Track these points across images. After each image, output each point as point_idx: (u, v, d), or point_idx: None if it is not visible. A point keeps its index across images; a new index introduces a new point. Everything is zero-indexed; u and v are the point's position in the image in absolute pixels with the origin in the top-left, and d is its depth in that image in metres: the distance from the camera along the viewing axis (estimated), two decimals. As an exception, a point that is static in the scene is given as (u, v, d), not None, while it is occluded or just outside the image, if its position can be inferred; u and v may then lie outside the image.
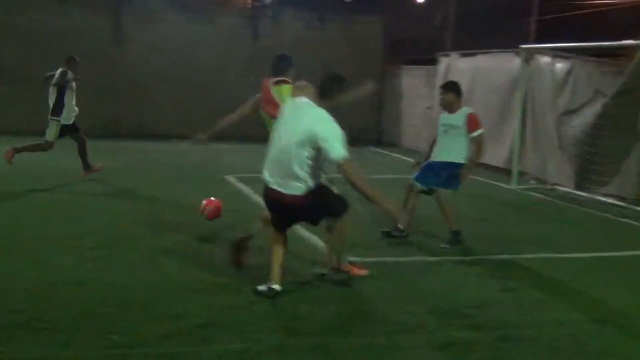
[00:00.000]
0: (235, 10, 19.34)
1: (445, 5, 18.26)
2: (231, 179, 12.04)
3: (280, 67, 7.78)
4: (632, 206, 10.53)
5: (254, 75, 18.64)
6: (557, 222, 9.82)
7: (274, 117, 7.26)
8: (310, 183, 5.85)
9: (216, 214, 7.90)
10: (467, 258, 7.39)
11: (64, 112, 11.27)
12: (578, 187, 11.68)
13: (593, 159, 11.36)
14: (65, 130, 11.37)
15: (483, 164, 14.57)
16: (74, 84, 11.43)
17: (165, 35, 18.27)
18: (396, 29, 20.04)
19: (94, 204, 9.56)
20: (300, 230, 7.92)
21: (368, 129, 19.84)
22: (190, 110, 18.30)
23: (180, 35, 18.37)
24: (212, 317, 5.25)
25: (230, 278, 6.26)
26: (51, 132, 11.21)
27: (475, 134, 8.14)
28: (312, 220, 6.18)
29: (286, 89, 7.18)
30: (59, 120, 11.22)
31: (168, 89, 18.25)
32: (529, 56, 12.99)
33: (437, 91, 16.63)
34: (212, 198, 7.86)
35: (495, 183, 13.00)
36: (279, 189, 5.97)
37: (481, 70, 15.13)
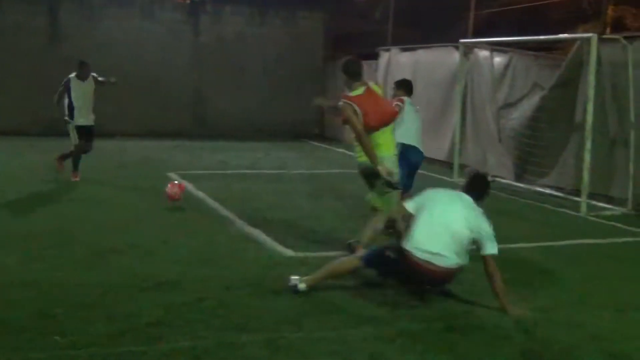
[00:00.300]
0: (176, 5, 19.13)
1: (385, 0, 18.36)
2: (174, 175, 11.90)
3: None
4: (570, 196, 10.77)
5: (197, 70, 18.74)
6: (499, 214, 9.90)
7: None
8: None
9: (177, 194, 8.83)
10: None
11: (75, 114, 11.49)
12: (518, 178, 11.90)
13: (532, 151, 11.60)
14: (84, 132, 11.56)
15: (425, 157, 14.81)
16: (82, 88, 11.62)
17: (106, 32, 17.99)
18: (337, 24, 20.10)
19: (39, 204, 9.34)
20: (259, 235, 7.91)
21: (310, 123, 19.90)
22: (133, 106, 18.11)
23: (121, 32, 18.10)
24: (161, 316, 5.19)
25: (179, 276, 6.19)
26: (72, 136, 11.52)
27: None
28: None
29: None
30: (71, 122, 11.52)
31: (108, 86, 17.88)
32: (467, 50, 13.18)
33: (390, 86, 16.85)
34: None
35: (437, 176, 13.14)
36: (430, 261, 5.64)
37: (422, 65, 15.29)
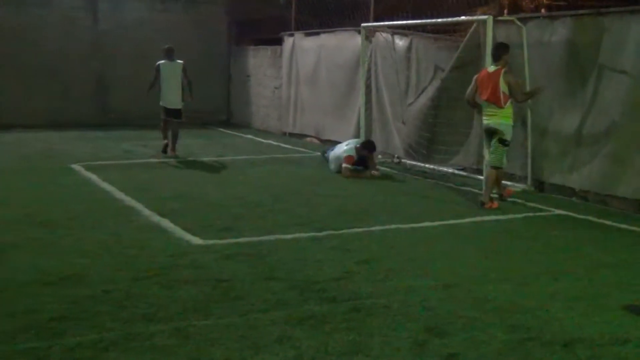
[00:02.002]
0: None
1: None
2: (77, 167, 11.64)
3: (497, 54, 9.24)
4: (473, 175, 11.07)
5: (98, 58, 18.29)
6: (405, 194, 10.19)
7: (496, 104, 9.07)
8: None
9: None
10: (321, 234, 7.53)
11: (162, 96, 13.21)
12: (423, 159, 12.13)
13: (435, 131, 11.84)
14: (167, 113, 13.23)
15: (331, 140, 14.97)
16: (162, 73, 13.17)
17: (1, 20, 17.33)
18: (240, 10, 19.95)
19: None
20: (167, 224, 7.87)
21: (218, 110, 19.75)
22: (32, 97, 17.65)
23: (16, 19, 17.50)
24: (66, 310, 5.10)
25: (84, 269, 6.09)
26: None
27: None
28: None
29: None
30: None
31: (6, 75, 17.39)
32: (369, 34, 13.33)
33: (283, 71, 16.89)
34: None
35: (344, 159, 13.28)
36: None
37: (325, 49, 15.39)
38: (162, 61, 13.27)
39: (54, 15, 17.99)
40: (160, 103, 13.28)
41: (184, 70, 13.25)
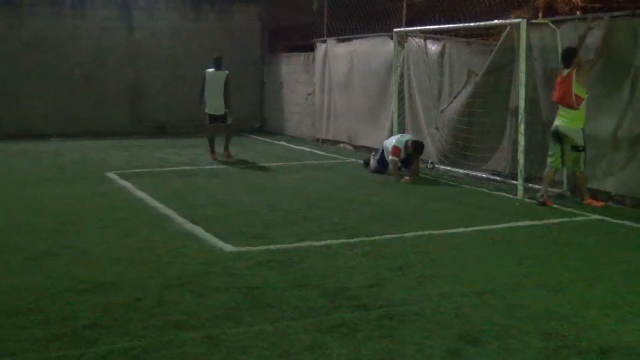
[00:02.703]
0: (108, 2, 18.81)
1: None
2: (112, 175, 11.75)
3: (568, 59, 9.45)
4: (507, 180, 10.95)
5: (132, 68, 18.48)
6: (438, 200, 10.10)
7: (571, 106, 9.32)
8: None
9: None
10: (354, 240, 7.49)
11: (207, 103, 13.97)
12: (456, 165, 12.04)
13: (469, 137, 11.74)
14: (213, 119, 14.04)
15: (364, 146, 14.94)
16: (206, 81, 13.97)
17: (36, 31, 17.65)
18: (273, 17, 20.03)
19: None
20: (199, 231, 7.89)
21: (251, 117, 19.82)
22: (69, 106, 17.90)
23: (52, 30, 17.77)
24: (98, 317, 5.12)
25: (116, 277, 6.12)
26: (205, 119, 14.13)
27: None
28: None
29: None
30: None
31: (44, 85, 17.68)
32: (401, 39, 13.27)
33: (316, 77, 16.90)
34: None
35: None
36: None
37: (358, 55, 15.36)
38: (209, 69, 13.95)
39: (89, 25, 18.20)
40: (206, 110, 13.97)
41: (227, 80, 13.89)
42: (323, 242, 7.40)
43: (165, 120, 18.71)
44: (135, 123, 18.66)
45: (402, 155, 11.66)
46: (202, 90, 14.06)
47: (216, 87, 13.90)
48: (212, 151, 14.15)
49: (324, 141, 16.96)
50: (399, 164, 11.71)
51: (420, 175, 11.94)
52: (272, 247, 7.21)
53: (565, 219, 8.77)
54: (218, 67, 14.01)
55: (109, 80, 18.38)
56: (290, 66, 18.92)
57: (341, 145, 16.23)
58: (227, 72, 14.02)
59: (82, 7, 18.23)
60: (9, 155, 14.30)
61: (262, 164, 13.57)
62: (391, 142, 11.88)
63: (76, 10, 18.14)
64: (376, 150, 12.61)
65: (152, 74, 18.75)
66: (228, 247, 7.17)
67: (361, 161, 13.44)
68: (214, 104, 13.95)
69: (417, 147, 11.68)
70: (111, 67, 18.37)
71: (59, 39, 17.81)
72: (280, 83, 19.33)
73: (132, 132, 18.12)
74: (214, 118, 14.02)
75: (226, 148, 14.19)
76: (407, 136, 12.09)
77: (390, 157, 11.69)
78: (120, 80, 18.52)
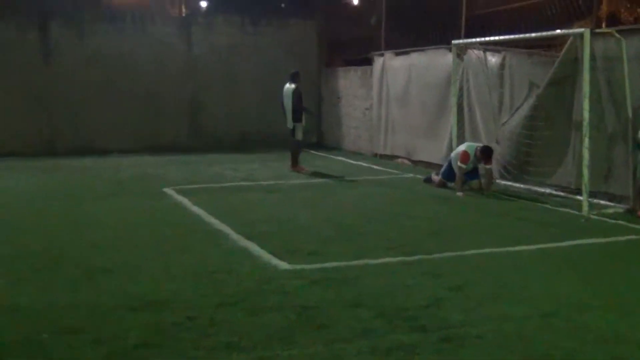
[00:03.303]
0: (167, 18, 19.04)
1: (378, 5, 18.23)
2: (170, 191, 11.77)
3: None
4: (571, 195, 10.60)
5: (191, 82, 18.62)
6: (500, 216, 9.82)
7: None
8: None
9: None
10: (412, 258, 7.29)
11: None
12: (517, 179, 11.73)
13: (530, 151, 11.42)
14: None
15: (423, 161, 14.72)
16: (285, 97, 14.24)
17: (97, 47, 17.90)
18: (330, 30, 19.99)
19: (30, 225, 9.17)
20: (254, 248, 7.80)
21: (309, 132, 19.73)
22: (129, 121, 18.10)
23: (113, 46, 18.01)
24: (150, 337, 5.04)
25: (169, 294, 6.04)
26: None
27: None
28: None
29: None
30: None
31: (104, 102, 17.91)
32: (460, 51, 13.03)
33: (374, 91, 16.76)
34: None
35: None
36: None
37: (416, 68, 15.17)
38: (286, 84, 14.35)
39: (149, 41, 18.40)
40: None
41: (294, 95, 14.08)
42: (380, 260, 7.22)
43: (223, 135, 18.77)
44: (193, 138, 18.77)
45: (471, 162, 11.39)
46: (281, 104, 14.41)
47: (286, 101, 14.22)
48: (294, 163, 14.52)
49: (381, 156, 16.77)
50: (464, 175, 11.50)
51: (481, 190, 11.64)
52: (327, 264, 7.05)
53: (633, 237, 8.42)
54: (290, 81, 14.26)
55: (168, 95, 18.55)
56: (348, 80, 18.81)
57: (399, 160, 16.03)
58: (295, 86, 14.14)
59: (142, 23, 18.47)
60: (70, 171, 14.48)
61: (319, 179, 13.46)
62: (460, 148, 11.65)
63: (136, 26, 18.38)
64: (438, 168, 12.41)
65: (210, 89, 18.87)
66: (282, 265, 7.04)
67: (420, 176, 13.22)
68: (286, 118, 14.31)
69: (485, 151, 11.33)
70: (170, 83, 18.54)
71: (119, 55, 18.04)
72: (338, 97, 19.23)
73: (190, 147, 18.22)
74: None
75: (292, 164, 14.44)
76: (479, 144, 11.81)
77: (458, 163, 11.46)
78: (179, 96, 18.67)
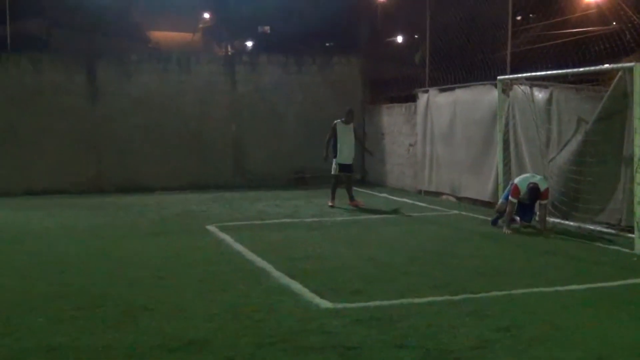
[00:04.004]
0: (212, 58, 19.26)
1: (421, 43, 18.18)
2: (212, 228, 11.74)
3: None
4: (622, 233, 10.29)
5: (235, 121, 18.74)
6: (548, 254, 9.55)
7: None
8: None
9: None
10: (457, 297, 7.08)
11: (337, 153, 14.55)
12: (566, 216, 11.44)
13: (579, 188, 11.15)
14: (343, 168, 14.63)
15: (468, 198, 14.50)
16: (339, 133, 14.53)
17: (144, 87, 18.16)
18: (373, 68, 19.98)
19: (74, 263, 9.18)
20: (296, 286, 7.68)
21: (353, 169, 19.64)
22: (174, 160, 18.25)
23: (159, 86, 18.28)
24: (188, 378, 4.93)
25: (209, 334, 5.93)
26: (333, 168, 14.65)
27: None
28: None
29: None
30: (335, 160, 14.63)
31: (150, 140, 18.11)
32: (506, 87, 12.86)
33: (418, 128, 16.64)
34: None
35: (481, 217, 12.77)
36: None
37: (461, 104, 15.02)
38: (338, 121, 14.71)
39: (194, 80, 18.61)
40: (336, 160, 14.60)
41: (356, 131, 14.89)
42: (424, 300, 7.03)
43: (267, 173, 18.80)
44: (237, 176, 18.83)
45: (523, 197, 11.04)
46: (329, 141, 14.59)
47: (349, 138, 14.57)
48: (334, 198, 14.67)
49: (426, 193, 16.58)
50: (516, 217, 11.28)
51: (528, 229, 11.36)
52: (370, 304, 6.88)
53: (689, 276, 8.09)
54: (347, 120, 14.61)
55: (213, 133, 18.68)
56: (392, 117, 18.73)
57: (444, 196, 15.81)
58: (352, 123, 14.69)
59: (188, 63, 18.70)
60: (115, 209, 14.57)
61: (363, 216, 13.32)
62: (520, 178, 11.33)
63: (182, 66, 18.61)
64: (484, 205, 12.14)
65: (254, 127, 18.96)
66: (324, 304, 6.90)
67: (465, 213, 13.01)
68: (348, 154, 14.57)
69: (532, 192, 10.90)
70: (215, 121, 18.69)
71: (166, 94, 18.27)
72: (382, 134, 19.14)
73: (234, 184, 18.27)
74: (343, 167, 14.59)
75: (352, 197, 14.67)
76: (538, 177, 11.24)
77: (510, 198, 11.11)
78: (223, 134, 18.78)
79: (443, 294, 7.21)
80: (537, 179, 11.17)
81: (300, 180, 18.66)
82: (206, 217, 13.23)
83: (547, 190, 11.03)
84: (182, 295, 7.33)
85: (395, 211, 14.05)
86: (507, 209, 11.18)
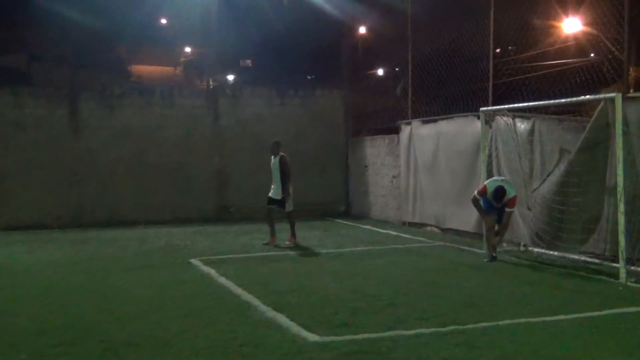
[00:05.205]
0: (195, 91, 19.28)
1: (403, 75, 18.30)
2: (196, 262, 11.65)
3: None
4: (606, 262, 10.31)
5: (217, 154, 18.71)
6: (534, 285, 9.54)
7: None
8: None
9: None
10: (445, 329, 7.04)
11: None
12: (550, 246, 11.46)
13: (563, 218, 11.18)
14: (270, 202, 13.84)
15: (452, 229, 14.51)
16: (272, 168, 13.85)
17: (126, 120, 18.13)
18: (356, 100, 20.09)
19: (57, 297, 9.06)
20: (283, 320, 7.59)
21: (336, 201, 19.69)
22: (157, 193, 18.16)
23: (141, 119, 18.25)
24: (175, 414, 4.84)
25: (194, 368, 5.86)
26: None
27: None
28: None
29: None
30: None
31: (132, 174, 18.04)
32: (489, 118, 12.94)
33: (401, 160, 16.68)
34: None
35: (466, 248, 12.78)
36: None
37: (444, 135, 15.09)
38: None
39: (177, 114, 18.61)
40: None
41: (281, 165, 13.65)
42: (413, 331, 6.98)
43: (251, 206, 18.71)
44: (220, 209, 18.75)
45: (489, 197, 11.32)
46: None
47: (275, 172, 13.73)
48: (271, 234, 13.81)
49: (410, 224, 16.58)
50: (485, 208, 11.52)
51: (513, 258, 11.39)
52: (358, 336, 6.83)
53: (676, 305, 8.10)
54: (273, 153, 13.87)
55: (196, 167, 18.63)
56: (375, 149, 18.77)
57: (428, 228, 15.82)
58: (281, 156, 13.72)
59: (170, 96, 18.71)
60: (97, 243, 14.45)
61: (347, 249, 13.28)
62: (487, 181, 11.73)
63: (164, 100, 18.61)
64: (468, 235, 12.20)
65: (237, 160, 18.94)
66: (312, 337, 6.83)
67: (450, 244, 13.01)
68: (275, 188, 13.75)
69: (495, 193, 11.21)
70: (198, 154, 18.65)
71: (148, 128, 18.25)
72: (365, 166, 19.18)
73: (217, 218, 18.20)
74: (271, 201, 13.80)
75: (292, 235, 13.82)
76: (507, 183, 11.51)
77: (475, 193, 11.66)
78: (206, 167, 18.74)
79: (431, 326, 7.17)
80: (505, 184, 11.44)
81: (282, 213, 18.57)
82: (190, 250, 13.14)
83: (514, 198, 11.32)
84: (168, 330, 7.23)
85: (379, 243, 14.02)
86: (473, 202, 11.67)
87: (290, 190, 13.68)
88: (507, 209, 11.32)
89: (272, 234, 13.79)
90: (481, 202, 11.54)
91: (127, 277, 10.48)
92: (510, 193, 11.25)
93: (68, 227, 16.87)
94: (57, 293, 9.39)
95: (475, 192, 11.66)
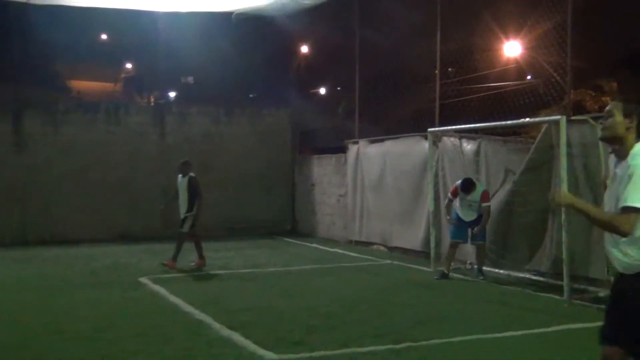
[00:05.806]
0: (141, 109, 19.13)
1: (348, 94, 18.55)
2: (145, 280, 11.56)
3: None
4: (551, 280, 10.59)
5: (163, 173, 18.58)
6: (482, 301, 9.76)
7: None
8: None
9: None
10: (399, 346, 7.16)
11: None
12: (496, 264, 11.73)
13: (508, 236, 11.47)
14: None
15: (399, 247, 14.70)
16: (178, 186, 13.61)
17: (71, 137, 17.85)
18: (303, 120, 20.24)
19: (4, 317, 8.86)
20: (238, 338, 7.59)
21: (283, 220, 19.73)
22: (102, 211, 17.89)
23: (86, 136, 17.99)
24: None
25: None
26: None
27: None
28: None
29: None
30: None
31: (77, 191, 17.74)
32: (436, 139, 13.20)
33: (348, 179, 16.83)
34: None
35: (414, 266, 12.97)
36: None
37: (391, 155, 15.30)
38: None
39: (123, 131, 18.42)
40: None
41: (189, 185, 13.51)
42: (367, 349, 7.08)
43: (198, 224, 18.61)
44: (167, 227, 18.57)
45: (460, 194, 11.50)
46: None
47: (182, 191, 13.55)
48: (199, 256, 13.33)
49: (357, 243, 16.72)
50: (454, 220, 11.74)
51: (460, 276, 11.61)
52: (315, 354, 6.90)
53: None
54: (182, 173, 13.59)
55: (142, 184, 18.44)
56: (322, 168, 18.91)
57: (375, 246, 15.98)
58: (190, 176, 13.52)
59: (116, 113, 18.53)
60: (42, 262, 14.20)
61: (295, 267, 13.34)
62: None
63: (110, 117, 18.41)
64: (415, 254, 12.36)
65: (184, 178, 18.79)
66: (269, 355, 6.87)
67: (397, 263, 13.16)
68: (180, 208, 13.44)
69: (463, 184, 11.40)
70: (144, 172, 18.47)
71: (94, 145, 18.00)
72: (312, 185, 19.29)
73: (164, 236, 17.99)
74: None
75: (173, 257, 13.03)
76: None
77: (449, 194, 11.83)
78: (153, 185, 18.55)
79: (385, 343, 7.27)
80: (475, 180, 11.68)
81: (230, 231, 18.54)
82: (137, 269, 13.02)
83: (486, 192, 11.48)
84: (122, 350, 7.17)
85: (327, 261, 14.11)
86: (446, 205, 11.95)
87: (196, 211, 13.31)
88: (483, 204, 11.38)
89: (174, 257, 13.08)
90: (453, 214, 11.75)
91: (75, 296, 10.34)
92: (480, 187, 11.48)
93: (10, 246, 16.48)
94: (6, 312, 9.21)
95: (449, 193, 11.82)
